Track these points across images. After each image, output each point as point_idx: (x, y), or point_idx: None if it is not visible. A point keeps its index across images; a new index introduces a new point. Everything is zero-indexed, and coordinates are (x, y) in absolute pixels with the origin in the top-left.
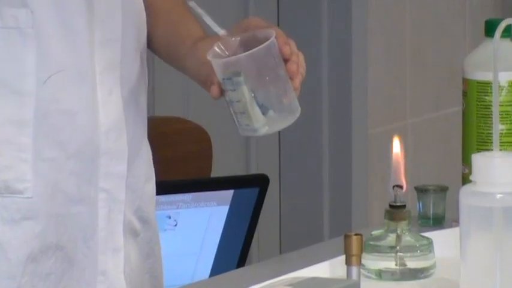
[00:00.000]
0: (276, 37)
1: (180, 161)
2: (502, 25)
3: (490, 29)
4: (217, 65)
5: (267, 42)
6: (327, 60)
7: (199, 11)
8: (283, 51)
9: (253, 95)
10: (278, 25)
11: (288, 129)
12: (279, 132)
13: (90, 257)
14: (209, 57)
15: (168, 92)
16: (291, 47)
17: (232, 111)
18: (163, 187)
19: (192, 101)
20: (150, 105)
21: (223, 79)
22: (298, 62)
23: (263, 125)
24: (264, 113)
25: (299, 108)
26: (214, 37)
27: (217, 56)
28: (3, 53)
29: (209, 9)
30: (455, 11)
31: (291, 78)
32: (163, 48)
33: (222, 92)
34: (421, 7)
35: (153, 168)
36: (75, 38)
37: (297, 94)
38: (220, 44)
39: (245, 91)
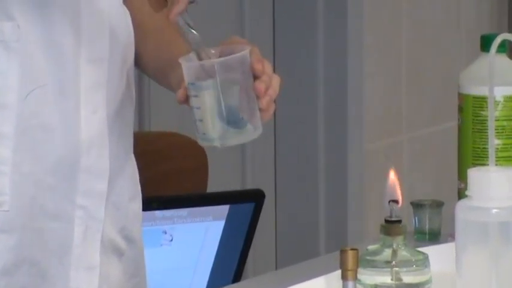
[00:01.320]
0: (250, 54)
1: (176, 176)
2: (498, 40)
3: (485, 43)
4: (184, 68)
5: (237, 54)
6: (322, 74)
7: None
8: (255, 67)
9: (214, 104)
10: (274, 43)
11: (284, 144)
12: (275, 146)
13: (63, 273)
14: (180, 59)
15: (163, 107)
16: (264, 67)
17: (193, 118)
18: (159, 202)
19: (187, 116)
20: (146, 120)
21: (188, 83)
22: (269, 83)
23: (219, 136)
24: (223, 125)
25: (260, 128)
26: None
27: (190, 59)
28: None
29: (205, 14)
30: (450, 26)
31: (257, 97)
32: (153, 67)
33: (187, 98)
34: (417, 22)
35: (139, 187)
36: (61, 55)
37: (266, 116)
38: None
39: (206, 99)
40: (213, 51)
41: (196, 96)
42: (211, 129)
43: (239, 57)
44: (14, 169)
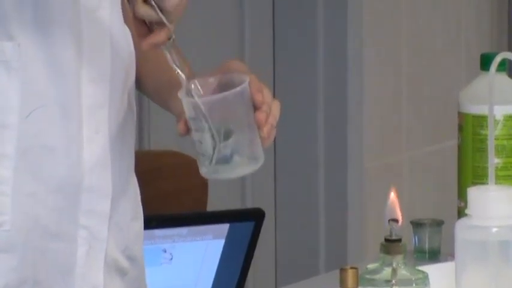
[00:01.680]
0: (249, 84)
1: (176, 195)
2: (498, 59)
3: (485, 62)
4: (185, 103)
5: (238, 88)
6: (322, 93)
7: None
8: (255, 98)
9: (216, 138)
10: (273, 62)
11: (284, 163)
12: (275, 165)
13: None
14: (180, 94)
15: (163, 126)
16: (263, 96)
17: (196, 150)
18: (159, 221)
19: (187, 136)
20: (146, 139)
21: (190, 118)
22: (269, 112)
23: (222, 169)
24: (223, 156)
25: (262, 157)
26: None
27: (191, 94)
28: None
29: (205, 18)
30: (450, 45)
31: (258, 127)
32: (152, 89)
33: (188, 130)
34: (416, 41)
35: (140, 206)
36: (62, 74)
37: (267, 143)
38: (196, 82)
39: (208, 134)
40: (211, 80)
41: (197, 130)
42: (211, 163)
43: (236, 92)
44: (16, 189)
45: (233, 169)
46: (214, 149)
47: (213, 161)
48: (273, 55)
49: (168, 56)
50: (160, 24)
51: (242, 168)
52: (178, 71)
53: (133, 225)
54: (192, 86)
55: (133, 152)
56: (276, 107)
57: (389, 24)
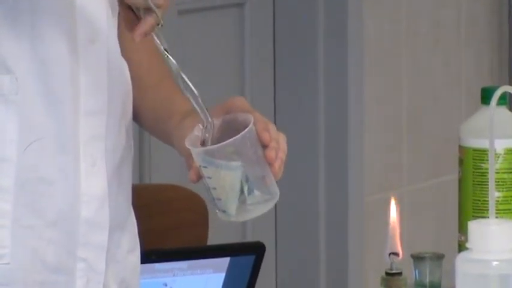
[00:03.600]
0: (254, 123)
1: (176, 229)
2: (498, 92)
3: (486, 96)
4: (194, 153)
5: (244, 132)
6: (323, 127)
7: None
8: (262, 138)
9: (227, 185)
10: (274, 96)
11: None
12: None
13: None
14: (187, 144)
15: (164, 160)
16: (270, 132)
17: (209, 195)
18: (159, 255)
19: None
20: (147, 173)
21: (200, 166)
22: (278, 148)
23: (238, 213)
24: (240, 203)
25: (278, 193)
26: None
27: (197, 140)
28: None
29: (206, 29)
30: (451, 78)
31: (270, 164)
32: (151, 123)
33: (200, 177)
34: (417, 74)
35: (137, 239)
36: (59, 107)
37: (278, 177)
38: (200, 126)
39: (221, 180)
40: (215, 121)
41: (210, 177)
42: (229, 208)
43: (243, 136)
44: (15, 222)
45: (252, 209)
46: (228, 195)
47: (237, 202)
48: (274, 91)
49: (157, 41)
50: (148, 10)
51: (260, 206)
52: (169, 55)
53: (130, 257)
54: (196, 132)
55: (130, 184)
56: (282, 141)
57: (390, 59)
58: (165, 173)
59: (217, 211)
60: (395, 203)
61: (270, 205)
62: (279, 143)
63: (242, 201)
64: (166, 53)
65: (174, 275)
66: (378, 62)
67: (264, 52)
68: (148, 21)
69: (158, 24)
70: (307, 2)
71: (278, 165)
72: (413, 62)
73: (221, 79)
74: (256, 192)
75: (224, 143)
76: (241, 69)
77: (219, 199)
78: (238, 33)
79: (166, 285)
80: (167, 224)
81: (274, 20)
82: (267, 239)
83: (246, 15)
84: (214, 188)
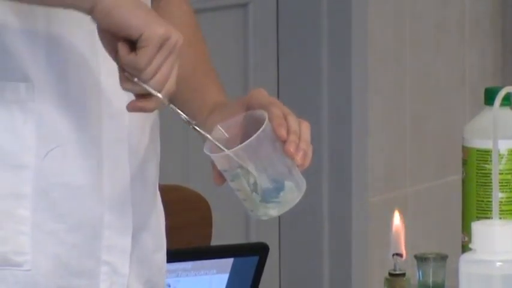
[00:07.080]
0: (270, 119)
1: (180, 230)
2: (502, 93)
3: (489, 97)
4: (214, 158)
5: (258, 132)
6: (327, 129)
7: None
8: (278, 134)
9: (254, 181)
10: (278, 88)
11: None
12: None
13: None
14: (205, 149)
15: (167, 160)
16: (288, 125)
17: (239, 199)
18: None
19: (191, 169)
20: None
21: (222, 170)
22: (297, 140)
23: (268, 208)
24: (267, 195)
25: (304, 183)
26: (225, 110)
27: (217, 140)
28: (2, 126)
29: (210, 30)
30: (454, 79)
31: (291, 158)
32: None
33: (224, 180)
34: (420, 76)
35: (164, 238)
36: (80, 112)
37: (304, 167)
38: (220, 127)
39: (243, 181)
40: (233, 121)
41: (232, 180)
42: (256, 208)
43: (258, 136)
44: (35, 228)
45: (282, 203)
46: (256, 191)
47: (260, 202)
48: (277, 91)
49: (178, 111)
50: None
51: (289, 199)
52: (190, 121)
53: (155, 257)
54: (215, 132)
55: (157, 184)
56: (305, 130)
57: (394, 60)
58: (168, 173)
59: (247, 211)
60: (399, 212)
61: (299, 196)
62: (301, 134)
63: (270, 197)
64: (187, 119)
65: (177, 276)
66: (382, 63)
67: (268, 52)
68: (149, 102)
69: (189, 124)
70: (311, 2)
71: (300, 157)
72: (417, 62)
73: (225, 79)
74: (283, 186)
75: (239, 146)
76: (244, 69)
77: (245, 200)
78: (241, 33)
79: (169, 286)
80: (171, 225)
81: (277, 20)
82: (270, 239)
83: (249, 15)
84: (239, 190)
